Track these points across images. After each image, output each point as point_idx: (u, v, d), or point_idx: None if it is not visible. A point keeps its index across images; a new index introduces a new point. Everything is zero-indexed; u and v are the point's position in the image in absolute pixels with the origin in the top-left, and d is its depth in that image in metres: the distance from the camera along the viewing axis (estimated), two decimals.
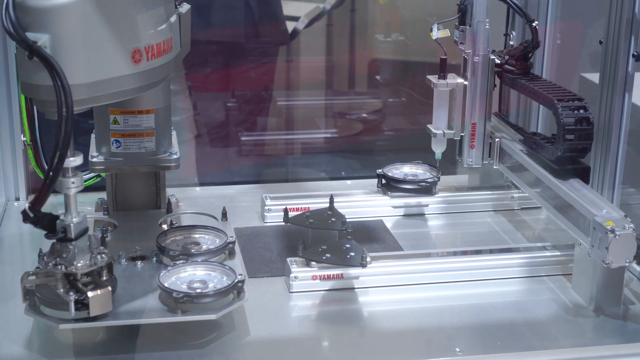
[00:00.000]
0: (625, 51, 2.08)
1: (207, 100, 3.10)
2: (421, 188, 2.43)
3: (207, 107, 3.09)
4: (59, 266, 1.67)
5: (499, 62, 2.36)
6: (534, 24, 2.29)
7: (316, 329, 1.87)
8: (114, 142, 2.11)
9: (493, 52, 2.37)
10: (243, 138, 3.02)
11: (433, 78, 2.37)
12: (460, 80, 2.36)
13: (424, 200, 2.43)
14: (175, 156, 2.14)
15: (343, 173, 2.92)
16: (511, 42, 2.53)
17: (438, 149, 2.41)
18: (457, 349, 1.77)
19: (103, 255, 1.71)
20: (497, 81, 2.40)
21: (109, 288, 1.67)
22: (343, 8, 3.15)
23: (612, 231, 1.81)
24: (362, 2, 3.13)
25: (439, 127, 2.39)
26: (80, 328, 1.72)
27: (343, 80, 3.21)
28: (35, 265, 1.73)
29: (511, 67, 2.35)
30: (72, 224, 1.64)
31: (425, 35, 2.35)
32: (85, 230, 1.68)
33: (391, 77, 3.17)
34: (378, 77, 3.03)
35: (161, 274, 1.78)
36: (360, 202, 2.41)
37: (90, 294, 1.64)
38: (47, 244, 1.93)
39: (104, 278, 1.71)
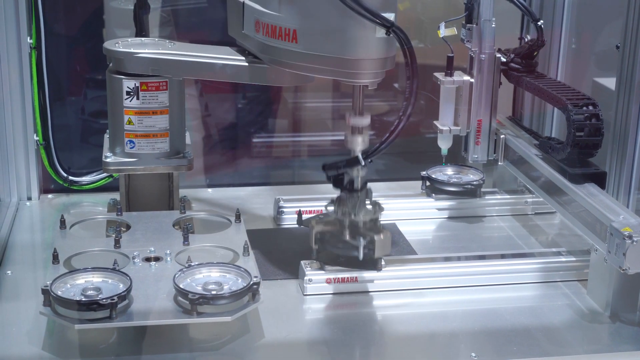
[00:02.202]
0: None
1: (218, 101, 3.09)
2: (466, 190, 2.43)
3: (217, 108, 3.07)
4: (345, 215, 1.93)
5: (504, 60, 2.37)
6: (539, 23, 2.31)
7: (330, 332, 1.86)
8: (128, 142, 2.10)
9: (499, 50, 2.37)
10: (254, 140, 3.01)
11: (440, 75, 2.39)
12: (466, 77, 2.37)
13: (435, 204, 2.43)
14: (188, 157, 2.14)
15: None
16: None
17: (444, 145, 2.43)
18: (473, 354, 1.76)
19: (376, 206, 1.96)
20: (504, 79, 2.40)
21: (389, 233, 1.95)
22: None
23: (630, 237, 1.80)
24: None
25: (445, 123, 2.40)
26: (94, 329, 1.72)
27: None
28: (46, 266, 1.73)
29: (517, 65, 2.36)
30: (359, 177, 1.92)
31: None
32: (366, 183, 1.95)
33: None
34: (396, 85, 3.02)
35: (176, 276, 1.78)
36: None
37: (376, 237, 1.91)
38: (60, 243, 1.93)
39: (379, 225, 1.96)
